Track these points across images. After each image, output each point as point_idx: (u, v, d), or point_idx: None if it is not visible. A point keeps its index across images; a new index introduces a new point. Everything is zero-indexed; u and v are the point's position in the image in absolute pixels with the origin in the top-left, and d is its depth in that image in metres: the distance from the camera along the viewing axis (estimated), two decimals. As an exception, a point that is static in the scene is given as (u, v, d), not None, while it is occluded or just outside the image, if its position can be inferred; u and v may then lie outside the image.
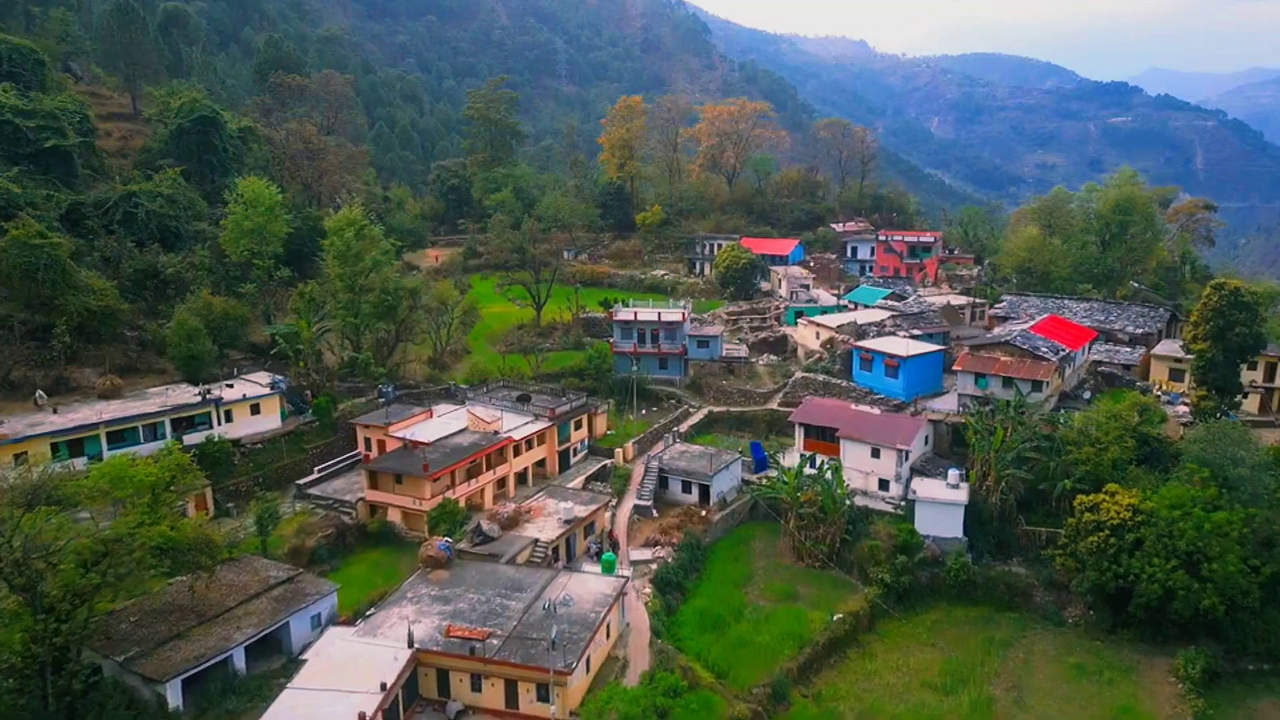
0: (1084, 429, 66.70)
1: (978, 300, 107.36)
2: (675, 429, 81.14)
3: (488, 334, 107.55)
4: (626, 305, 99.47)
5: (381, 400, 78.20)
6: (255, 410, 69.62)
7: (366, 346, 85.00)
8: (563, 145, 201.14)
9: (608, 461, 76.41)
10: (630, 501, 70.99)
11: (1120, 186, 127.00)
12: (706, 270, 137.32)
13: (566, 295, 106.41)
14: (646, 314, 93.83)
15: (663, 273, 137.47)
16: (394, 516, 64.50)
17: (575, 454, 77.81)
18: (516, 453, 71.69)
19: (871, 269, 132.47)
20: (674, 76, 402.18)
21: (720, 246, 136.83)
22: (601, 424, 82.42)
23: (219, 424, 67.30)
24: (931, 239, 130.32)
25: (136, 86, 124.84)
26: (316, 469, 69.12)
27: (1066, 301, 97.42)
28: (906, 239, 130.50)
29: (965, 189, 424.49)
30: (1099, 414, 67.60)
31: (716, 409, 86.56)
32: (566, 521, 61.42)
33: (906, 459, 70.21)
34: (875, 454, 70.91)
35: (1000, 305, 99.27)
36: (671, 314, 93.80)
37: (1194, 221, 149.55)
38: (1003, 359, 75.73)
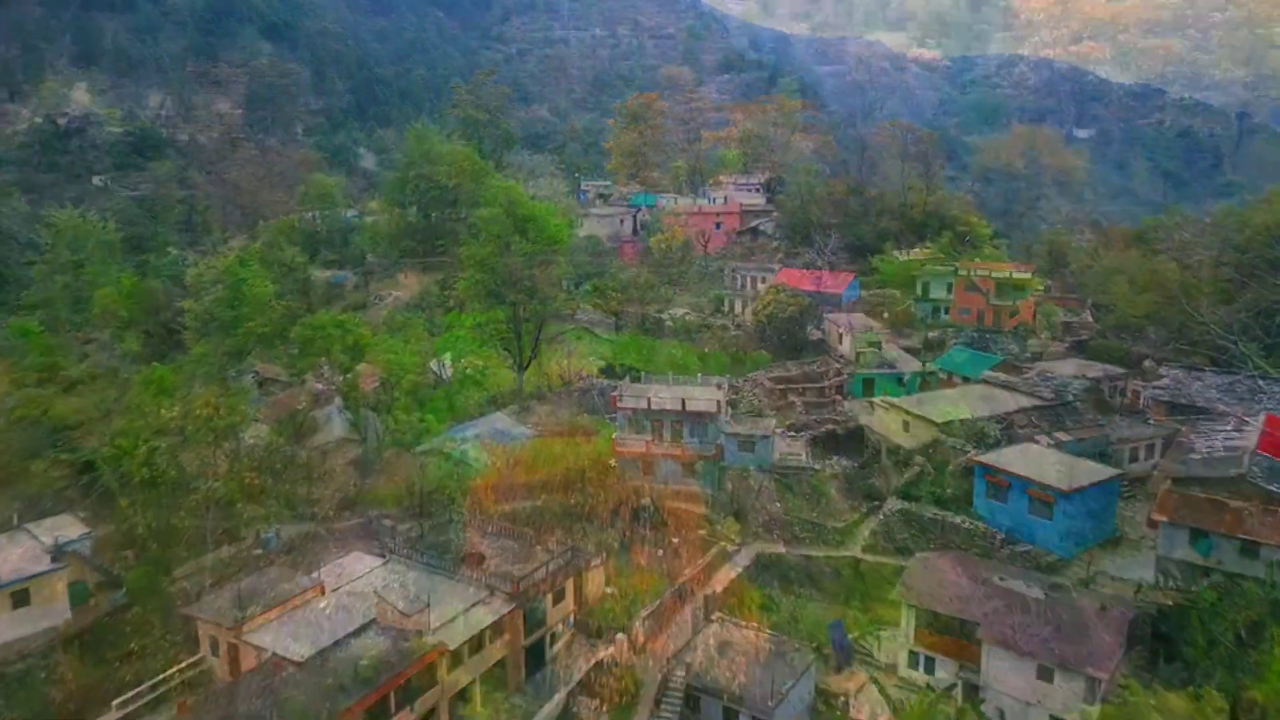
0: None
1: (1114, 370, 78.83)
2: (709, 592, 53.59)
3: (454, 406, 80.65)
4: (637, 379, 71.94)
5: (258, 552, 51.03)
6: (20, 601, 42.25)
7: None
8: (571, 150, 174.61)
9: (604, 654, 48.80)
10: (639, 745, 43.58)
11: (1272, 207, 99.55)
12: (738, 308, 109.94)
13: (556, 360, 78.90)
14: (664, 396, 66.27)
15: (682, 311, 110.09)
16: (226, 814, 37.21)
17: (554, 640, 50.41)
18: (457, 661, 44.27)
19: (948, 311, 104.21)
20: (689, 76, 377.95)
21: (754, 280, 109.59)
22: (596, 581, 54.69)
23: (-54, 633, 40.28)
24: (1028, 273, 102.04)
25: (19, 81, 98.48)
26: (115, 704, 41.54)
27: (1260, 382, 68.80)
28: (994, 274, 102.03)
29: (984, 194, 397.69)
30: None
31: (768, 549, 58.75)
32: None
33: (1100, 689, 42.43)
34: (1045, 675, 43.24)
35: (1160, 386, 70.67)
36: (702, 398, 66.09)
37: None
38: (1234, 506, 47.63)
